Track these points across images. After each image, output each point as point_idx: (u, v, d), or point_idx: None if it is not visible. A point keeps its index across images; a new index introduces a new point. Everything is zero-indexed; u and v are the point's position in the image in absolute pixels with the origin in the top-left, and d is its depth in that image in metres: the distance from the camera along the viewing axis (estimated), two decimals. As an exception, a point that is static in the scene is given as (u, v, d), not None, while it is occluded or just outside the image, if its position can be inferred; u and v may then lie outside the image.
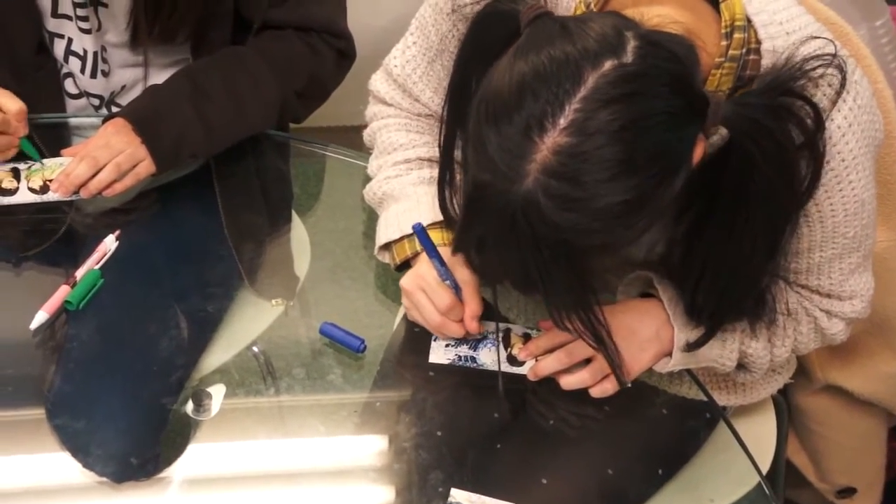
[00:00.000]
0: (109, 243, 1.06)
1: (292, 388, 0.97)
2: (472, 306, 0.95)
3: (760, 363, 0.98)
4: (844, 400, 1.16)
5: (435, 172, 0.98)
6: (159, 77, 1.23)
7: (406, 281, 0.97)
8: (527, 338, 1.00)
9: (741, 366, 0.99)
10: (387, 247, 1.02)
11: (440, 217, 0.96)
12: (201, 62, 1.21)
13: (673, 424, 1.03)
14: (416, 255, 0.99)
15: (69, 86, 1.26)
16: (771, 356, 0.98)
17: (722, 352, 0.96)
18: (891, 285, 1.05)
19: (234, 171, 1.22)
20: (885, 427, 1.25)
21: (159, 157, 1.13)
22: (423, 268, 0.97)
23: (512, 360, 0.98)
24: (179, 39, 1.20)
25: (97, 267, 1.04)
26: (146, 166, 1.12)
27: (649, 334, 0.94)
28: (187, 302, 1.05)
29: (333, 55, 1.26)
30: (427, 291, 0.95)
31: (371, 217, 1.07)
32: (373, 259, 1.02)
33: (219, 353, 1.01)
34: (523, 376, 0.96)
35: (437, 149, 0.97)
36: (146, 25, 1.17)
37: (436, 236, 0.96)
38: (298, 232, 1.20)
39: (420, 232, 0.93)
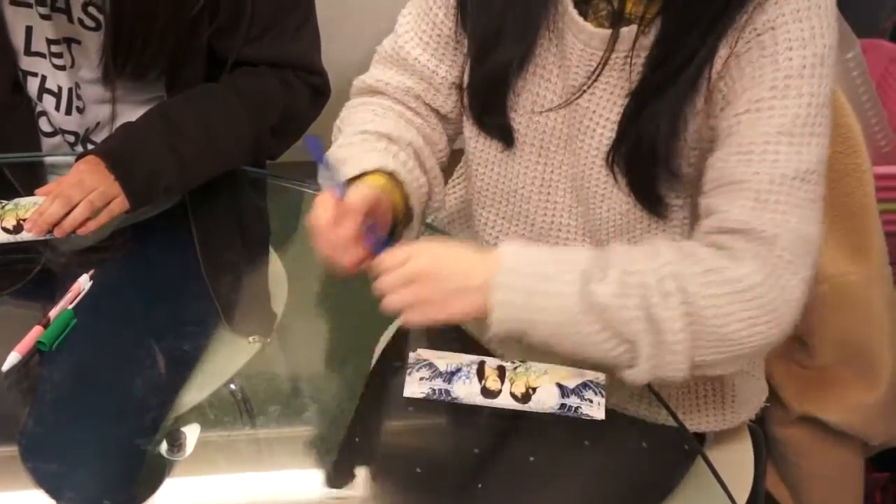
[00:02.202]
0: (83, 283, 1.06)
1: (269, 425, 0.97)
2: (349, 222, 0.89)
3: (625, 317, 0.84)
4: (821, 431, 1.16)
5: (394, 148, 0.97)
6: (133, 114, 1.23)
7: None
8: (502, 370, 1.00)
9: (626, 342, 0.86)
10: None
11: (386, 165, 0.94)
12: (175, 99, 1.22)
13: (653, 458, 1.03)
14: None
15: (43, 124, 1.26)
16: (648, 315, 0.84)
17: (561, 289, 0.85)
18: (863, 316, 1.06)
19: (211, 208, 1.22)
20: (861, 458, 1.26)
21: (133, 193, 1.12)
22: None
23: (486, 393, 0.98)
24: (151, 76, 1.21)
25: (71, 307, 1.03)
26: (120, 203, 1.12)
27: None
28: (162, 341, 1.05)
29: (308, 92, 1.27)
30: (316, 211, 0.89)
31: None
32: (350, 294, 1.02)
33: (195, 392, 1.00)
34: (502, 410, 0.96)
35: (403, 131, 0.99)
36: (118, 62, 1.17)
37: (377, 181, 0.93)
38: (276, 268, 1.20)
39: (313, 142, 0.88)
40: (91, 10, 1.17)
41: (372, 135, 1.00)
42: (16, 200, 1.14)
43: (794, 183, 0.86)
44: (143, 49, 1.16)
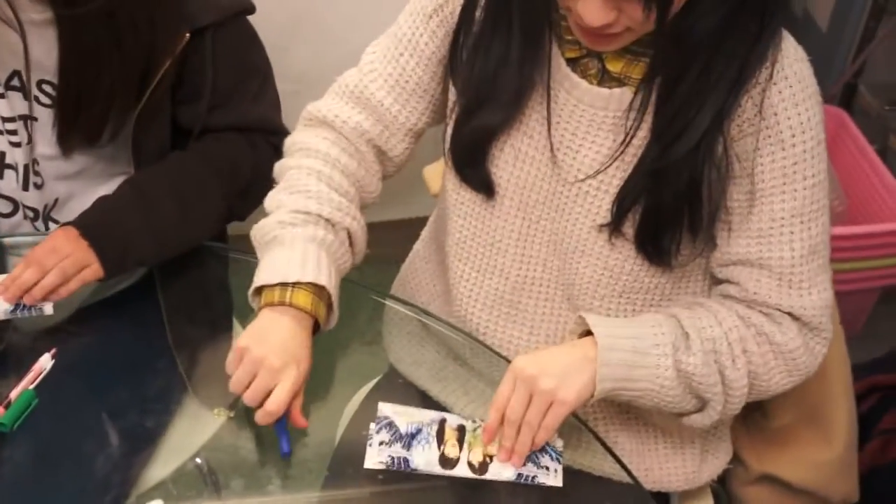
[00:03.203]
0: (45, 362, 1.06)
1: (235, 498, 0.97)
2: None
3: (708, 382, 0.98)
4: (781, 489, 1.18)
5: (330, 235, 1.02)
6: (97, 190, 1.26)
7: (248, 333, 0.98)
8: (462, 431, 1.01)
9: (698, 398, 0.99)
10: (260, 289, 1.01)
11: (320, 280, 0.98)
12: (147, 171, 1.24)
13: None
14: (281, 303, 0.98)
15: (2, 206, 1.27)
16: (722, 378, 0.99)
17: (658, 362, 0.97)
18: (817, 374, 1.08)
19: (176, 283, 1.24)
20: (822, 515, 1.27)
21: (107, 261, 1.14)
22: (268, 324, 0.98)
23: (444, 462, 0.99)
24: (104, 140, 1.23)
25: (32, 387, 1.03)
26: (93, 271, 1.13)
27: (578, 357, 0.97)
28: (125, 418, 1.04)
29: (272, 151, 1.29)
30: (263, 369, 0.96)
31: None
32: (316, 362, 1.02)
33: (159, 467, 1.00)
34: (466, 478, 0.97)
35: (341, 211, 1.03)
36: (68, 127, 1.20)
37: (305, 299, 0.98)
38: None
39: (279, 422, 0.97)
40: (45, 87, 1.20)
41: (312, 216, 1.03)
42: (-21, 280, 1.15)
43: (809, 258, 0.98)
44: (91, 111, 1.19)
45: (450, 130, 1.06)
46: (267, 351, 0.95)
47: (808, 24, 2.42)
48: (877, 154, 2.11)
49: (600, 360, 0.95)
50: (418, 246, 1.29)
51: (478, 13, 1.01)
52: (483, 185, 1.07)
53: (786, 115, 0.94)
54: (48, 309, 1.12)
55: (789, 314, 1.00)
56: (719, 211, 0.98)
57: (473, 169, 1.06)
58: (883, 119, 2.28)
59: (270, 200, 1.08)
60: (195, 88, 1.24)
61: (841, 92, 2.32)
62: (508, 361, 1.06)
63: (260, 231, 1.05)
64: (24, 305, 1.11)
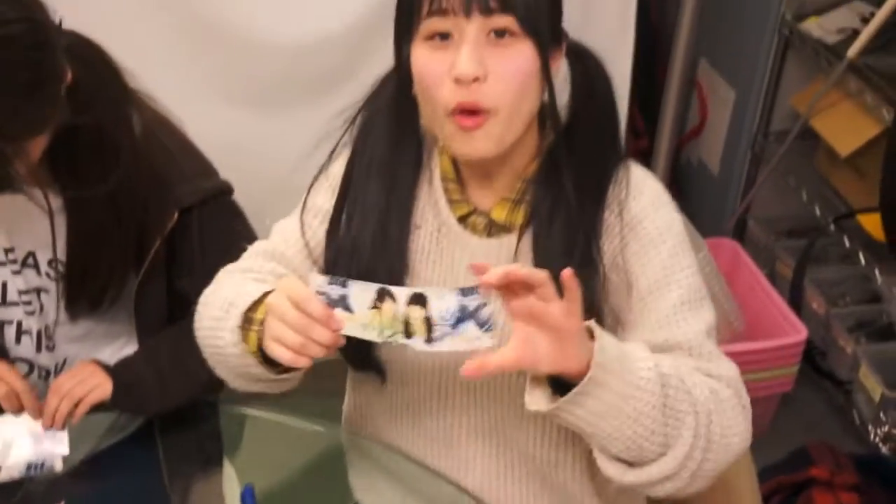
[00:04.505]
0: (55, 513, 1.18)
1: None
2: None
3: (683, 388, 0.94)
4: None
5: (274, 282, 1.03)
6: (103, 351, 1.41)
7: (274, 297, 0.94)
8: (422, 302, 0.90)
9: (668, 425, 0.93)
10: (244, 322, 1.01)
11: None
12: (152, 340, 1.38)
13: None
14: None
15: (19, 367, 1.39)
16: (689, 386, 0.95)
17: (641, 364, 0.93)
18: (728, 477, 1.17)
19: (175, 432, 1.36)
20: None
21: (116, 384, 1.29)
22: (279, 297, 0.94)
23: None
24: (105, 306, 1.37)
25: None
26: (102, 390, 1.29)
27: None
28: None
29: None
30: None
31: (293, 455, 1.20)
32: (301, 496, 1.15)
33: None
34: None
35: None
36: (74, 297, 1.34)
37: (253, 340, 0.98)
38: (228, 472, 1.33)
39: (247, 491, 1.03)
40: (53, 264, 1.35)
41: (253, 274, 1.10)
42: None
43: (708, 337, 1.02)
44: (95, 283, 1.34)
45: None
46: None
47: (702, 170, 2.68)
48: (767, 279, 2.28)
49: (598, 344, 0.90)
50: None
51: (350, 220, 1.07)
52: (375, 369, 1.12)
53: (650, 220, 1.02)
54: (58, 465, 1.25)
55: (715, 378, 0.99)
56: (603, 318, 1.02)
57: (363, 356, 1.10)
58: (770, 248, 2.45)
59: (202, 318, 1.09)
60: (187, 261, 1.38)
61: (734, 226, 2.53)
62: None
63: (207, 317, 1.07)
64: (37, 466, 1.24)
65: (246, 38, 1.87)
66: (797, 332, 2.11)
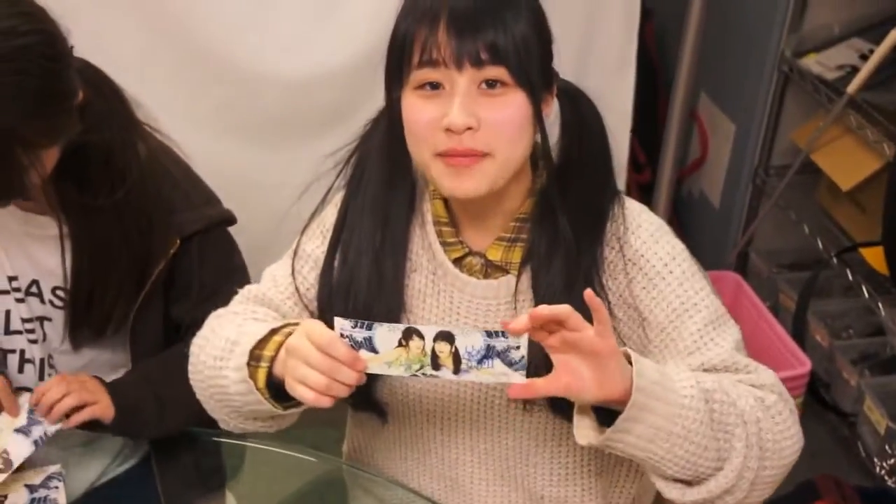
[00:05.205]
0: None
1: None
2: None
3: (727, 401, 0.94)
4: None
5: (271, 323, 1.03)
6: (104, 377, 1.39)
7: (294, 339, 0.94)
8: (449, 339, 0.92)
9: (719, 439, 0.93)
10: (251, 360, 1.01)
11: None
12: (149, 364, 1.39)
13: None
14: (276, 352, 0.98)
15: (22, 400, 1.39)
16: (734, 397, 0.94)
17: (683, 384, 0.93)
18: None
19: (175, 464, 1.37)
20: None
21: (118, 404, 1.29)
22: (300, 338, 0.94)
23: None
24: (109, 333, 1.38)
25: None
26: (103, 407, 1.29)
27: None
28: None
29: None
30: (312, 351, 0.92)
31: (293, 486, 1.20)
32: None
33: None
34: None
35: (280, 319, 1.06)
36: (78, 325, 1.35)
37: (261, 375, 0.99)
38: (230, 503, 1.35)
39: None
40: (58, 292, 1.37)
41: (248, 315, 1.10)
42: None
43: (738, 351, 1.01)
44: (101, 308, 1.35)
45: None
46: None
47: (704, 203, 2.69)
48: (770, 311, 2.29)
49: (636, 368, 0.90)
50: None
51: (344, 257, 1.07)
52: (376, 410, 1.12)
53: (652, 252, 1.02)
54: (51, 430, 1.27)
55: (761, 387, 0.99)
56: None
57: (361, 400, 1.11)
58: (772, 281, 2.45)
59: (200, 358, 1.08)
60: (185, 286, 1.40)
61: (736, 259, 2.54)
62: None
63: (213, 359, 1.05)
64: (41, 439, 1.26)
65: (251, 73, 1.89)
66: (801, 365, 2.11)
